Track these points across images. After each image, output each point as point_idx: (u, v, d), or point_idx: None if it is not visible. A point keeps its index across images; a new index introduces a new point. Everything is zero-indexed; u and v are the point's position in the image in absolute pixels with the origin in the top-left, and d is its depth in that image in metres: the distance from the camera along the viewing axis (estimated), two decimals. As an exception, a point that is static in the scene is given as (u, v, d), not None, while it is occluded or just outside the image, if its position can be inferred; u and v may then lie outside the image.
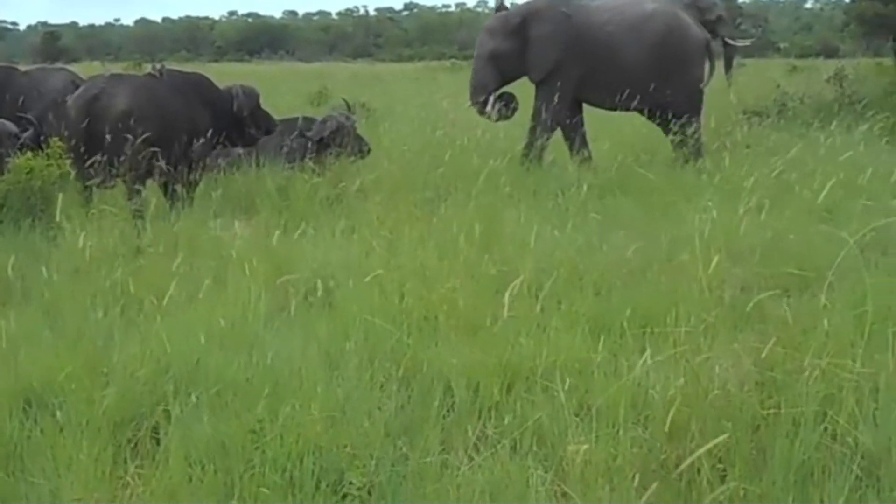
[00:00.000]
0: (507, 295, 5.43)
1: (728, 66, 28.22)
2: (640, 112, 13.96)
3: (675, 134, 13.21)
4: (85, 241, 8.01)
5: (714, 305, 6.31)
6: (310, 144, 12.31)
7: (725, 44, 28.95)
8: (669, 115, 13.43)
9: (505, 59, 13.69)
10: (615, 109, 13.90)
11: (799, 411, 4.94)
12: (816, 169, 10.08)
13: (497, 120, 13.79)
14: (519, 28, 13.70)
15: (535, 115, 13.57)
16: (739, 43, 30.11)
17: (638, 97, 13.32)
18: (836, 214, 8.88)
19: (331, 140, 12.34)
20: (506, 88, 13.90)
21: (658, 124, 13.89)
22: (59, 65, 22.97)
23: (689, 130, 13.30)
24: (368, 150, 12.63)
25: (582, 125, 13.87)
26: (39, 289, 7.28)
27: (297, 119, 13.13)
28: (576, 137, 13.72)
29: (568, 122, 13.69)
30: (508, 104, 13.82)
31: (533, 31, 13.63)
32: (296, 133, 12.43)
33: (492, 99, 13.67)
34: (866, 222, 7.58)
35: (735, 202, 8.93)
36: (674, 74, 13.52)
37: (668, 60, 13.56)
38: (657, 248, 7.79)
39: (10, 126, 11.75)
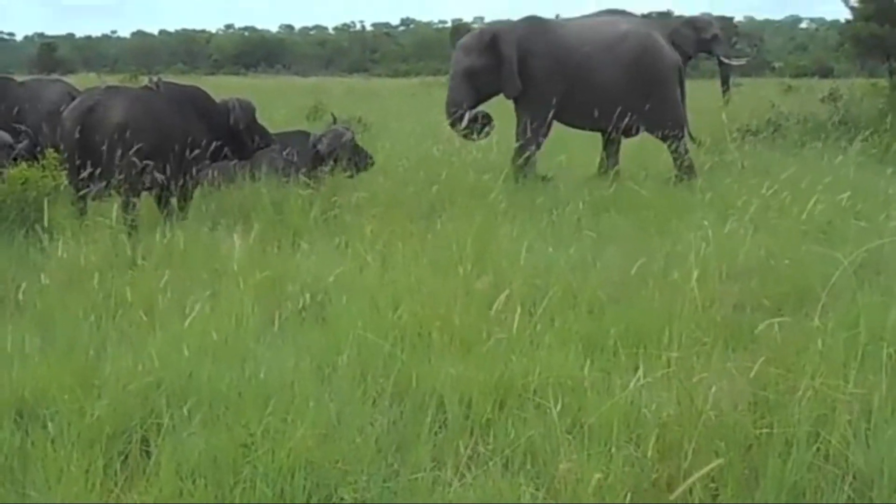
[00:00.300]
0: (494, 308, 5.43)
1: (724, 85, 28.35)
2: (607, 132, 14.02)
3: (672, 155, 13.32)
4: (79, 252, 8.02)
5: (707, 324, 6.31)
6: (316, 157, 12.30)
7: (721, 62, 29.09)
8: (656, 136, 13.62)
9: (479, 76, 13.75)
10: (589, 129, 14.03)
11: (791, 431, 4.95)
12: (810, 188, 10.08)
13: (470, 137, 13.81)
14: (491, 45, 13.74)
15: (520, 134, 13.65)
16: (735, 62, 30.23)
17: (613, 118, 13.36)
18: (830, 234, 8.90)
19: (340, 153, 12.37)
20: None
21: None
22: (55, 76, 22.97)
23: (675, 150, 13.40)
24: (372, 163, 12.67)
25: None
26: (32, 299, 7.26)
27: (294, 132, 13.15)
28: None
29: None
30: (483, 122, 13.88)
31: (506, 50, 13.68)
32: (310, 146, 12.42)
33: (467, 116, 13.70)
34: (860, 242, 7.61)
35: (729, 221, 8.95)
36: (650, 95, 13.59)
37: (644, 81, 13.64)
38: (651, 266, 7.79)
39: (5, 137, 11.75)
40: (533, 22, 14.01)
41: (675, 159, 13.51)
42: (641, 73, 13.66)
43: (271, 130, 11.98)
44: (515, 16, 14.68)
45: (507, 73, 13.61)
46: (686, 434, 4.90)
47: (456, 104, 13.86)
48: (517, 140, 13.59)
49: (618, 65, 13.61)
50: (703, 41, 27.67)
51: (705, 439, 4.88)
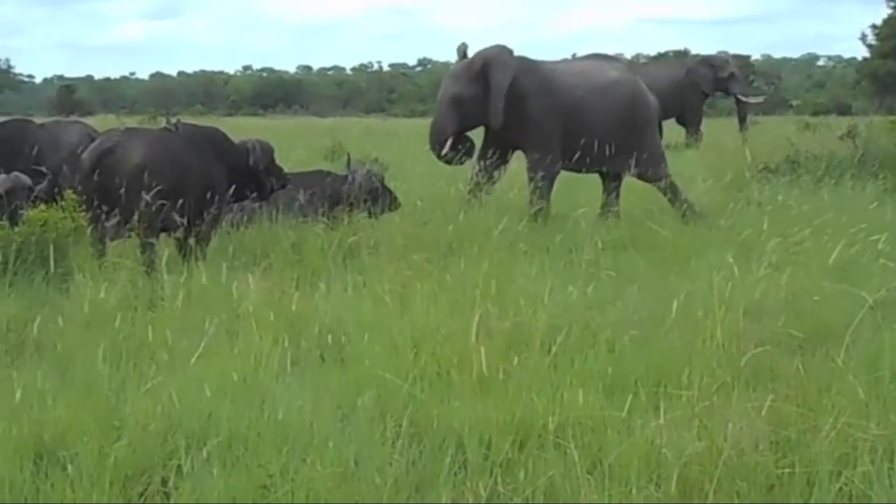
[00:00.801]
0: (513, 348, 5.40)
1: (742, 123, 28.46)
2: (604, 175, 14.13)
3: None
4: (98, 293, 8.04)
5: (728, 363, 6.28)
6: (339, 197, 12.36)
7: (738, 101, 29.20)
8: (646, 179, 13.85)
9: (465, 104, 13.80)
10: (578, 171, 14.12)
11: (813, 471, 4.91)
12: (831, 226, 10.06)
13: (452, 162, 13.91)
14: (482, 73, 13.78)
15: (532, 172, 13.73)
16: (752, 100, 30.32)
17: (601, 161, 13.56)
18: (851, 272, 8.85)
19: (373, 193, 12.53)
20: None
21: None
22: (74, 118, 23.08)
23: (666, 191, 13.56)
24: (399, 204, 12.76)
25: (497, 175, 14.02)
26: (52, 341, 7.28)
27: (313, 172, 13.22)
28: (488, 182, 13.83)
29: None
30: (464, 147, 13.97)
31: (497, 77, 13.73)
32: (345, 185, 12.51)
33: (448, 142, 13.77)
34: (882, 280, 7.58)
35: (748, 259, 8.93)
36: (638, 139, 13.72)
37: (632, 126, 13.81)
38: (671, 305, 7.76)
39: (25, 179, 11.81)
40: (525, 61, 14.11)
41: (671, 201, 13.58)
42: (631, 117, 13.85)
43: (290, 170, 12.03)
44: (534, 54, 14.75)
45: (495, 102, 13.62)
46: (707, 474, 4.87)
47: (440, 131, 13.96)
48: (530, 181, 13.61)
49: (610, 109, 13.76)
50: (719, 80, 27.93)
51: (727, 479, 4.85)
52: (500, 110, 13.55)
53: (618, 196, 13.87)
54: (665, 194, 13.75)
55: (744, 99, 28.76)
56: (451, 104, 13.89)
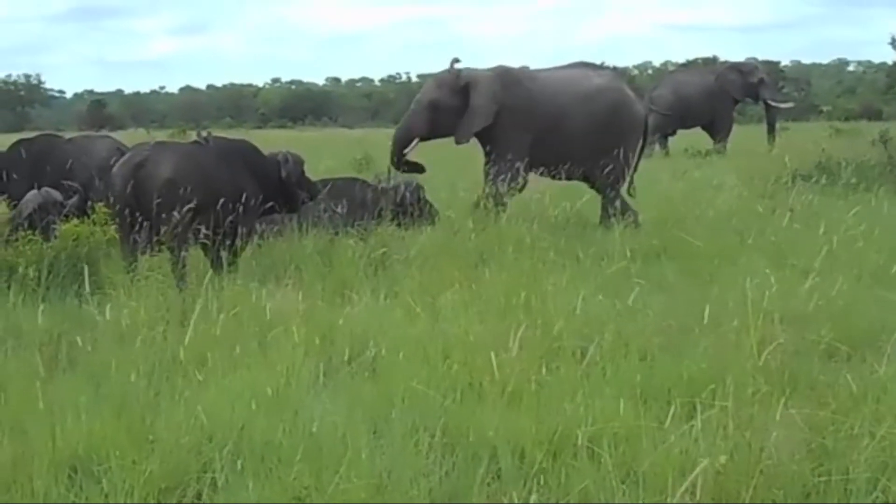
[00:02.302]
0: (544, 357, 5.37)
1: (770, 129, 28.43)
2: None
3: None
4: (130, 307, 8.07)
5: (763, 371, 6.24)
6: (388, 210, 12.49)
7: (768, 107, 29.19)
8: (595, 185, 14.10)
9: (441, 113, 14.10)
10: (557, 178, 14.25)
11: (851, 479, 4.87)
12: (863, 232, 10.00)
13: (400, 168, 14.09)
14: (464, 91, 14.03)
15: (489, 177, 13.94)
16: (782, 105, 30.26)
17: (578, 168, 13.84)
18: (886, 279, 8.79)
19: (418, 204, 12.83)
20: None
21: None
22: (104, 132, 23.19)
23: (610, 200, 13.81)
24: (438, 215, 12.95)
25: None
26: (84, 355, 7.30)
27: (351, 181, 13.33)
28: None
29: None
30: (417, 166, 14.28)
31: (477, 100, 13.98)
32: (384, 195, 12.74)
33: (413, 143, 14.10)
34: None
35: (781, 266, 8.88)
36: (612, 148, 13.78)
37: (610, 135, 13.89)
38: (703, 313, 7.73)
39: (56, 194, 11.88)
40: (505, 73, 14.34)
41: (605, 206, 13.82)
42: (611, 126, 13.96)
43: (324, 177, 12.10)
44: (562, 62, 14.85)
45: (467, 121, 13.90)
46: (743, 483, 4.84)
47: (407, 131, 14.26)
48: (485, 182, 13.87)
49: (592, 117, 13.93)
50: (749, 85, 27.94)
51: (763, 487, 4.82)
52: (471, 133, 13.96)
53: (622, 203, 13.89)
54: (606, 201, 13.92)
55: (774, 104, 28.75)
56: (428, 108, 14.18)
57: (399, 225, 12.38)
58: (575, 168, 13.79)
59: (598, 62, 15.48)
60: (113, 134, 18.90)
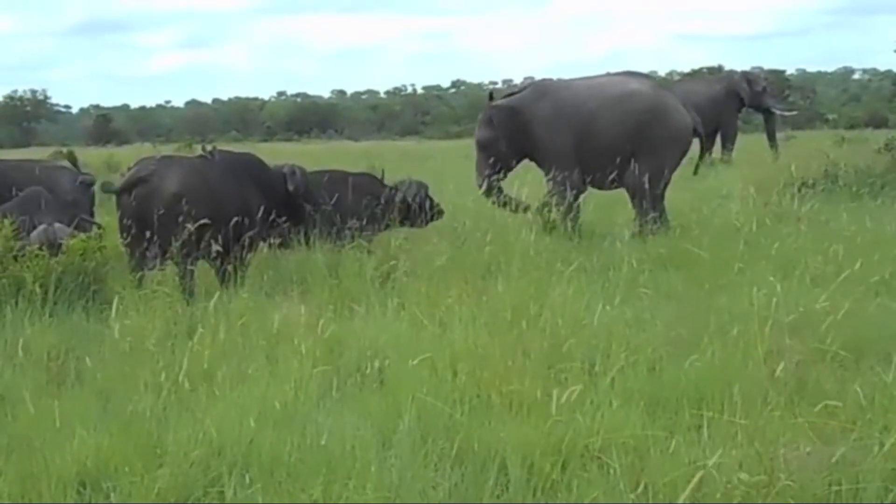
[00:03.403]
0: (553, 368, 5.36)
1: (772, 137, 28.75)
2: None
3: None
4: (137, 321, 8.08)
5: (771, 380, 6.23)
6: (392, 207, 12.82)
7: (767, 116, 29.60)
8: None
9: (487, 148, 14.50)
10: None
11: (861, 488, 4.86)
12: (870, 240, 9.99)
13: (500, 205, 14.14)
14: (488, 121, 14.51)
15: (551, 191, 14.00)
16: (787, 113, 30.60)
17: (610, 174, 13.79)
18: (892, 287, 8.78)
19: (422, 203, 13.15)
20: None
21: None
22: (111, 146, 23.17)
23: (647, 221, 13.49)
24: (443, 212, 13.33)
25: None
26: (92, 370, 7.31)
27: (368, 176, 13.78)
28: None
29: None
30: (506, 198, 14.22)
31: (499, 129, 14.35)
32: (392, 196, 12.99)
33: (485, 183, 14.31)
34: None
35: (788, 275, 8.87)
36: (644, 155, 13.78)
37: (642, 142, 13.83)
38: (710, 323, 7.73)
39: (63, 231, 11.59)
40: (536, 87, 14.71)
41: (637, 214, 13.78)
42: (642, 132, 13.87)
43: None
44: (567, 74, 15.05)
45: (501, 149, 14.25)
46: (752, 492, 4.83)
47: (479, 173, 14.54)
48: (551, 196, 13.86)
49: (622, 124, 13.89)
50: (755, 94, 28.34)
51: (773, 498, 4.81)
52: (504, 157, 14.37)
53: (655, 209, 13.81)
54: (640, 212, 13.80)
55: (778, 111, 29.13)
56: (478, 148, 14.72)
57: (406, 221, 12.76)
58: (607, 175, 13.78)
59: (643, 71, 15.50)
60: (119, 149, 18.87)
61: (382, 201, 12.86)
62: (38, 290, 9.28)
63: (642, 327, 7.88)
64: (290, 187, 11.23)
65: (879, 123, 51.16)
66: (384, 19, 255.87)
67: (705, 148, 21.50)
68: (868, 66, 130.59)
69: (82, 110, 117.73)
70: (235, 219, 10.39)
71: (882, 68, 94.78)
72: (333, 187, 12.45)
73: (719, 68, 59.73)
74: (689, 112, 14.41)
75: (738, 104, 27.97)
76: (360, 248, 11.05)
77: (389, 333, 7.84)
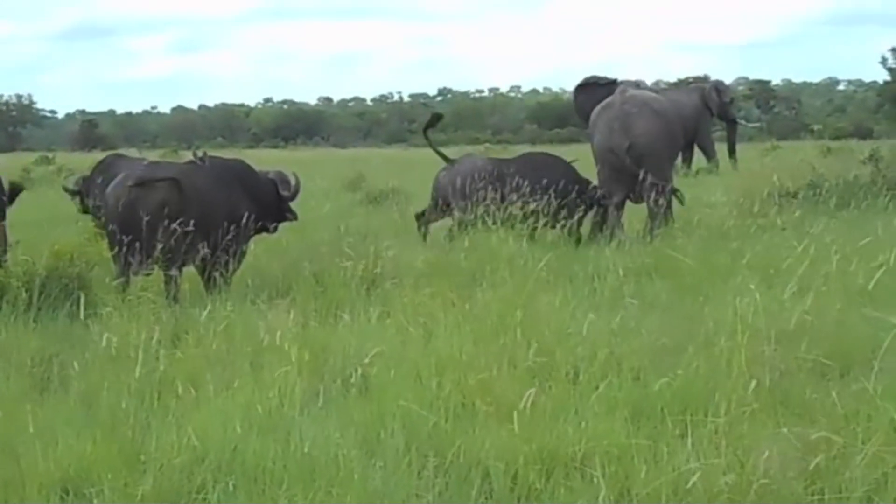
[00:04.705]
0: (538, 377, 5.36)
1: (731, 149, 29.98)
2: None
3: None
4: (122, 327, 8.05)
5: (755, 389, 6.24)
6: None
7: (731, 126, 30.79)
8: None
9: None
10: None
11: (844, 497, 4.87)
12: (854, 251, 10.00)
13: None
14: None
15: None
16: (752, 124, 31.93)
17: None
18: (876, 298, 8.79)
19: None
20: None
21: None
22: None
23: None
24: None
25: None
26: (76, 376, 7.28)
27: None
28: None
29: None
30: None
31: None
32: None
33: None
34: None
35: (772, 285, 8.88)
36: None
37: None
38: (695, 332, 7.74)
39: None
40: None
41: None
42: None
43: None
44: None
45: None
46: (737, 501, 4.84)
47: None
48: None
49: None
50: (723, 104, 29.19)
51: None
52: None
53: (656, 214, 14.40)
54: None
55: (742, 122, 30.48)
56: None
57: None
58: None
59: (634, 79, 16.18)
60: (104, 154, 18.76)
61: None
62: (23, 294, 9.25)
63: (627, 336, 7.88)
64: (283, 192, 11.27)
65: (864, 134, 51.33)
66: (371, 27, 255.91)
67: (685, 158, 21.94)
68: (853, 76, 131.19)
69: (68, 115, 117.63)
70: (224, 225, 10.38)
71: (867, 79, 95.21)
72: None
73: (705, 77, 59.97)
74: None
75: (710, 114, 28.57)
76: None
77: (374, 341, 7.82)
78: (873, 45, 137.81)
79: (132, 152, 42.74)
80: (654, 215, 14.19)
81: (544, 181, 13.63)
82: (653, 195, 14.21)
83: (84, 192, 14.02)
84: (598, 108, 15.15)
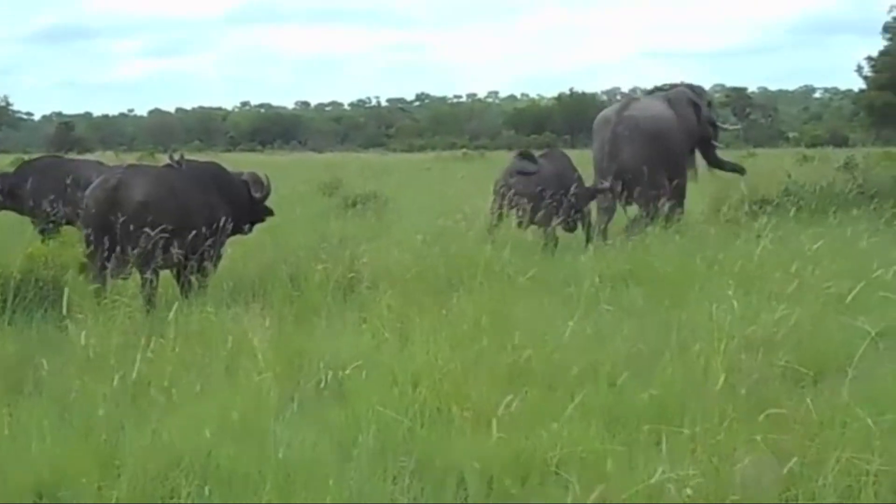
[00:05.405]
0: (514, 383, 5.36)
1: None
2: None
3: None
4: (97, 330, 8.01)
5: (730, 397, 6.26)
6: None
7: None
8: None
9: None
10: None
11: (818, 502, 4.89)
12: (829, 258, 10.05)
13: None
14: None
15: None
16: (731, 127, 32.28)
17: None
18: (850, 305, 8.83)
19: None
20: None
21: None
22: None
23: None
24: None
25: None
26: (51, 379, 7.24)
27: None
28: None
29: None
30: None
31: None
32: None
33: None
34: (881, 312, 7.56)
35: (748, 292, 8.91)
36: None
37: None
38: (670, 339, 7.75)
39: None
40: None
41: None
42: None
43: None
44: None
45: None
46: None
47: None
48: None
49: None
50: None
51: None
52: None
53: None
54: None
55: (725, 127, 31.07)
56: None
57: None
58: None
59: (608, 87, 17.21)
60: (80, 157, 18.79)
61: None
62: (-3, 297, 9.20)
63: (603, 342, 7.89)
64: (256, 195, 11.27)
65: (840, 142, 51.66)
66: (349, 31, 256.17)
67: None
68: (829, 84, 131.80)
69: (44, 117, 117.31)
70: (201, 228, 10.35)
71: (843, 87, 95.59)
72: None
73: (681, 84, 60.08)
74: None
75: None
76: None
77: (350, 346, 7.82)
78: (849, 54, 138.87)
79: (108, 155, 42.67)
80: (638, 221, 14.78)
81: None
82: (644, 202, 15.04)
83: (3, 188, 14.29)
84: (599, 118, 16.35)
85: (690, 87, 30.27)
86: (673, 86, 18.75)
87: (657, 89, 20.65)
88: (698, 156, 17.33)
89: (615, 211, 15.62)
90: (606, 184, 14.95)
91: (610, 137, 15.61)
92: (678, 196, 15.65)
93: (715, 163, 17.96)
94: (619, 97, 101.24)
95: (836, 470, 5.08)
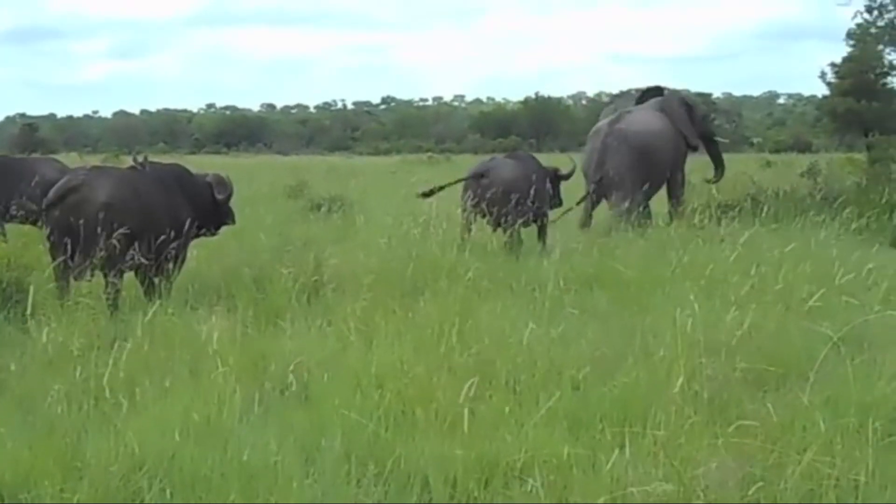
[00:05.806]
0: (478, 386, 5.38)
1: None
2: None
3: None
4: (60, 332, 7.96)
5: (693, 400, 6.29)
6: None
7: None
8: None
9: None
10: None
11: (779, 507, 4.92)
12: (792, 263, 10.11)
13: None
14: None
15: None
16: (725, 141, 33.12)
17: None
18: (813, 309, 8.89)
19: None
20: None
21: None
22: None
23: None
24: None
25: None
26: (13, 380, 7.20)
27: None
28: None
29: None
30: None
31: None
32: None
33: None
34: (844, 317, 7.62)
35: (711, 296, 8.96)
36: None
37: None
38: (634, 343, 7.78)
39: None
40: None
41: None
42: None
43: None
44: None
45: None
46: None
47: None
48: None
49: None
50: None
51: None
52: None
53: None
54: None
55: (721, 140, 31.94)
56: None
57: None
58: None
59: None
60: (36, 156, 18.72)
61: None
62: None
63: (567, 345, 7.91)
64: (219, 196, 11.24)
65: (804, 148, 51.94)
66: (315, 33, 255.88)
67: None
68: (793, 90, 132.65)
69: (8, 118, 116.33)
70: (165, 230, 10.31)
71: (807, 93, 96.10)
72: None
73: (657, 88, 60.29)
74: None
75: None
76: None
77: (315, 349, 7.81)
78: (813, 60, 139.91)
79: (72, 157, 42.43)
80: (614, 225, 15.36)
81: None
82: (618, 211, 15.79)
83: None
84: (593, 128, 17.39)
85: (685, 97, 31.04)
86: (651, 89, 19.03)
87: (624, 94, 21.04)
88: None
89: (591, 217, 16.34)
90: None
91: (599, 147, 16.73)
92: (677, 196, 17.17)
93: (718, 160, 19.29)
94: (584, 101, 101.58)
95: (798, 473, 5.11)
